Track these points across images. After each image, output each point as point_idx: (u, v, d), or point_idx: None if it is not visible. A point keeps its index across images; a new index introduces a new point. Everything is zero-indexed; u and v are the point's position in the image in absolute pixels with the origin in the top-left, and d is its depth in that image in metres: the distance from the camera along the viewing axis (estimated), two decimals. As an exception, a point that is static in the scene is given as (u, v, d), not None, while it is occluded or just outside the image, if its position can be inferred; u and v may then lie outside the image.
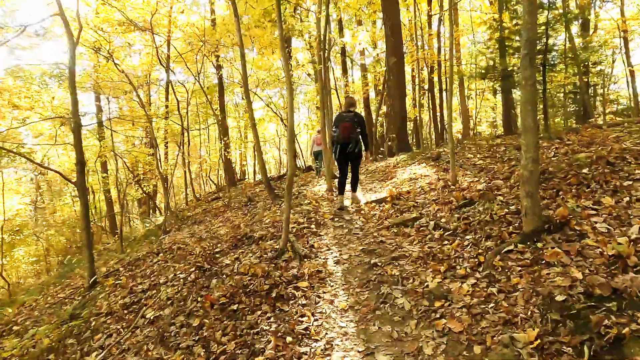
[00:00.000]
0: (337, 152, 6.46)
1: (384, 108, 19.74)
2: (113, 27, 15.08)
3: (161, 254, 7.05)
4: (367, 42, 17.23)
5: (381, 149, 16.43)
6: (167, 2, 15.81)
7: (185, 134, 18.31)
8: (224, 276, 4.83)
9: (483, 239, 4.14)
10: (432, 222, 5.02)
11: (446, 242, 4.44)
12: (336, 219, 6.23)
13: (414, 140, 19.63)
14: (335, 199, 7.64)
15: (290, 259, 4.86)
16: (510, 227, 4.14)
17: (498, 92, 27.18)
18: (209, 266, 5.26)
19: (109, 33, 15.35)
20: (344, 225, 5.89)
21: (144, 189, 17.50)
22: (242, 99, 22.09)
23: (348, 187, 7.05)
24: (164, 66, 15.55)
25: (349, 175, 6.88)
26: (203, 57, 16.20)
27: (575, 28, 14.09)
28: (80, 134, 7.11)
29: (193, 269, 5.25)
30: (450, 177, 6.30)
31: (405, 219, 5.40)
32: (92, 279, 6.84)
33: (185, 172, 16.95)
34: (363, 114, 27.86)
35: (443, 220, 5.01)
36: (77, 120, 7.03)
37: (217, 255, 5.67)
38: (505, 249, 3.70)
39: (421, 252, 4.34)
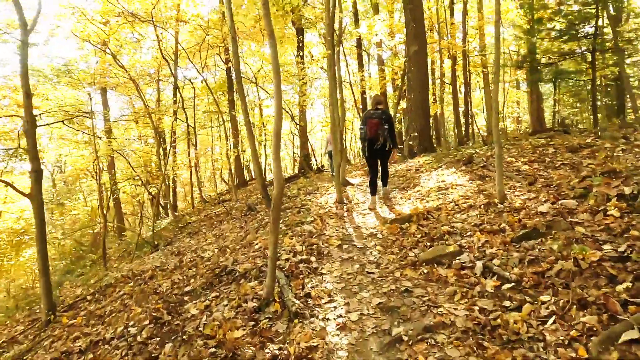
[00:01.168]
0: (366, 149, 6.21)
1: (402, 104, 18.04)
2: (114, 18, 13.83)
3: (131, 283, 5.62)
4: (384, 34, 15.58)
5: (400, 147, 14.77)
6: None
7: (192, 132, 16.97)
8: (184, 337, 3.34)
9: (574, 307, 2.53)
10: (479, 263, 3.41)
11: (508, 302, 2.83)
12: (345, 246, 4.68)
13: (435, 138, 17.85)
14: (340, 209, 6.15)
15: (276, 315, 3.33)
16: (619, 285, 2.53)
17: (522, 84, 25.18)
18: (170, 317, 3.77)
19: (111, 26, 14.09)
20: (355, 257, 4.32)
21: (149, 190, 16.22)
22: (256, 94, 20.66)
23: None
24: (167, 61, 14.15)
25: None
26: (207, 50, 14.76)
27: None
28: (34, 135, 5.71)
29: (148, 322, 3.77)
30: (497, 193, 4.65)
31: (439, 254, 3.80)
32: (49, 315, 5.47)
33: (191, 172, 15.58)
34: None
35: (496, 261, 3.39)
36: (31, 120, 5.62)
37: (185, 299, 4.18)
38: (622, 337, 2.11)
39: (469, 319, 2.75)
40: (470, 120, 16.25)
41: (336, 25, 9.35)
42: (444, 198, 5.59)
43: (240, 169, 19.19)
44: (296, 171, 17.92)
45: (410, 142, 10.36)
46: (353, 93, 13.47)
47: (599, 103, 17.42)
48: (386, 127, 6.01)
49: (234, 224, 7.98)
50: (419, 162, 8.89)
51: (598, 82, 16.38)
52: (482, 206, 4.64)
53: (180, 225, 11.64)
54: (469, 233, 4.09)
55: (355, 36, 17.27)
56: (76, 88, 17.47)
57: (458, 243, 3.93)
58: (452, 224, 4.42)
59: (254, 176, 20.14)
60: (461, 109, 15.65)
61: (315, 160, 17.25)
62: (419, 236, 4.47)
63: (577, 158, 5.63)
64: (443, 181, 6.55)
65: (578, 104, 20.74)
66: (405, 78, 10.69)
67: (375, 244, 4.62)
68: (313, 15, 14.65)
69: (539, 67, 11.41)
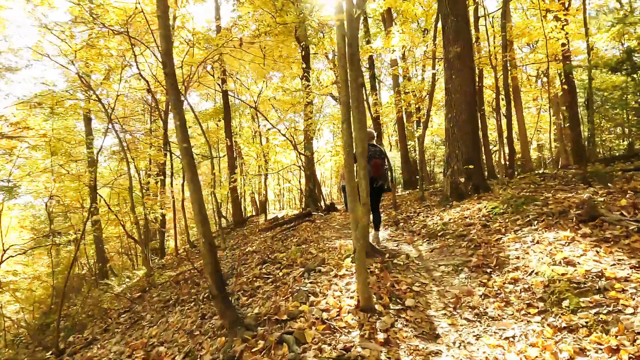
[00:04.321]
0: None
1: (419, 130, 14.76)
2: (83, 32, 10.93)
3: None
4: (404, 46, 12.52)
5: (431, 185, 11.32)
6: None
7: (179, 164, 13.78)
8: None
9: None
10: None
11: None
12: None
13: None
14: (370, 331, 2.73)
15: None
16: None
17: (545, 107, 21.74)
18: None
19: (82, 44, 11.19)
20: None
21: (127, 231, 12.93)
22: (253, 119, 17.54)
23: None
24: (147, 82, 11.14)
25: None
26: (197, 69, 11.75)
27: None
28: None
29: None
30: None
31: None
32: None
33: (174, 211, 12.30)
34: (395, 137, 22.93)
35: None
36: None
37: None
38: None
39: None
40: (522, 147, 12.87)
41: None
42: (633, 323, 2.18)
43: (237, 205, 15.90)
44: (302, 208, 14.52)
45: (454, 178, 6.97)
46: (371, 115, 10.28)
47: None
48: (386, 167, 5.46)
49: (187, 314, 4.59)
50: (478, 209, 5.48)
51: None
52: None
53: (143, 288, 8.27)
54: None
55: (367, 53, 14.14)
56: (63, 117, 14.49)
57: None
58: None
59: (260, 210, 16.79)
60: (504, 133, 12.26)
61: (323, 198, 13.85)
62: None
63: None
64: (570, 262, 3.14)
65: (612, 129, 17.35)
66: (445, 90, 7.45)
67: None
68: (318, 21, 11.63)
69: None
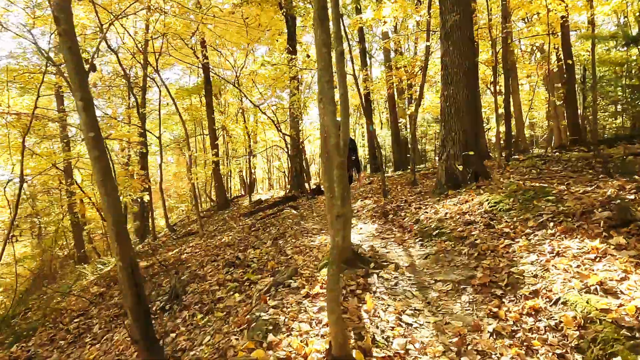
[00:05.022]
0: None
1: (411, 108, 13.80)
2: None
3: None
4: (396, 17, 11.48)
5: (410, 168, 10.47)
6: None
7: (157, 144, 12.79)
8: None
9: None
10: None
11: None
12: None
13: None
14: None
15: None
16: None
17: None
18: None
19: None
20: None
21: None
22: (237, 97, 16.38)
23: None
24: (110, 48, 9.98)
25: None
26: (165, 39, 10.60)
27: None
28: None
29: None
30: None
31: None
32: None
33: (151, 194, 11.38)
34: (386, 115, 21.83)
35: None
36: None
37: None
38: None
39: None
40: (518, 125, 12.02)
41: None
42: None
43: (221, 185, 14.99)
44: (288, 190, 13.67)
45: (449, 163, 6.13)
46: (360, 92, 9.32)
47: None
48: (354, 157, 5.32)
49: (106, 345, 3.79)
50: (479, 202, 4.66)
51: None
52: None
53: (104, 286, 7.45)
54: None
55: (357, 25, 12.98)
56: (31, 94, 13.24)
57: None
58: None
59: (250, 189, 15.92)
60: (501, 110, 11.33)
61: (309, 181, 12.98)
62: None
63: None
64: (609, 290, 2.35)
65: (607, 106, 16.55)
66: (441, 64, 6.53)
67: None
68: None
69: None
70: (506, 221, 3.91)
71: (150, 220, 11.77)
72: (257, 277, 4.10)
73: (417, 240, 4.46)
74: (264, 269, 4.29)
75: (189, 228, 11.54)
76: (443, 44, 6.53)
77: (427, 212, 5.23)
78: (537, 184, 4.86)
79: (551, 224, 3.49)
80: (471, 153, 5.72)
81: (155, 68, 10.22)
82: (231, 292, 3.89)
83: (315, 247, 4.69)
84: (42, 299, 8.01)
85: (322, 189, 11.41)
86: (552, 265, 2.84)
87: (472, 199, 4.92)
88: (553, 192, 4.21)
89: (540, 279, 2.74)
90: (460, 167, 5.80)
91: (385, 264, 3.57)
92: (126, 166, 15.91)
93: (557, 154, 9.60)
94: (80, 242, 15.05)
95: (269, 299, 3.15)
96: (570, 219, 3.45)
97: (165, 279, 5.98)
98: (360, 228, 5.69)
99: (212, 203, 17.51)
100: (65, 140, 13.90)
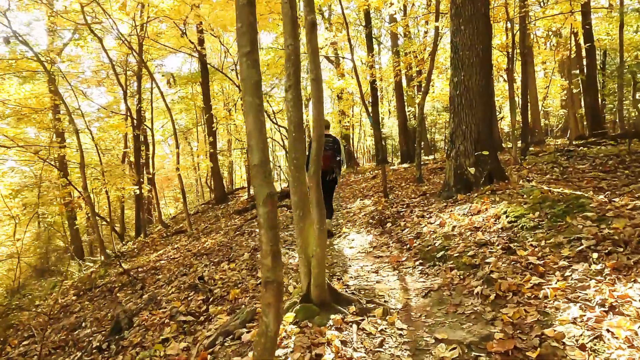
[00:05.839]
0: None
1: (419, 96, 12.69)
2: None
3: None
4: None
5: (409, 161, 9.43)
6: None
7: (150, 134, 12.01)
8: None
9: None
10: None
11: None
12: None
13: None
14: None
15: None
16: None
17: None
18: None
19: None
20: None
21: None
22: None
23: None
24: (94, 33, 9.13)
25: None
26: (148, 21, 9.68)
27: None
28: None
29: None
30: None
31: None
32: None
33: (140, 188, 10.61)
34: (394, 103, 20.57)
35: None
36: None
37: None
38: None
39: None
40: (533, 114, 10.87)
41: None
42: None
43: (219, 178, 14.20)
44: (287, 185, 12.78)
45: (459, 162, 5.16)
46: (358, 80, 8.30)
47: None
48: (338, 158, 4.99)
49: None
50: (495, 215, 3.71)
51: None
52: None
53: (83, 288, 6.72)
54: None
55: (362, 7, 11.88)
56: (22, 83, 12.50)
57: None
58: None
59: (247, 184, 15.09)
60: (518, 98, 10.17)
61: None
62: None
63: None
64: None
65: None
66: (450, 46, 5.51)
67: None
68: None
69: None
70: (532, 245, 2.97)
71: (141, 214, 11.02)
72: (216, 309, 3.26)
73: (417, 262, 3.55)
74: (226, 297, 3.45)
75: (181, 225, 10.79)
76: (453, 22, 5.49)
77: (431, 223, 4.30)
78: (567, 191, 3.88)
79: (595, 255, 2.55)
80: (485, 153, 4.74)
81: (140, 57, 9.33)
82: (179, 332, 3.06)
83: (294, 268, 3.82)
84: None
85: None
86: (606, 330, 1.92)
87: (486, 209, 3.97)
88: (591, 204, 3.24)
89: (590, 355, 1.82)
90: (472, 170, 4.83)
91: (371, 306, 2.67)
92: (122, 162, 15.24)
93: (580, 148, 8.53)
94: (77, 236, 14.48)
95: (210, 358, 2.29)
96: (622, 250, 2.51)
97: (132, 291, 5.22)
98: (353, 240, 4.79)
99: (212, 195, 16.78)
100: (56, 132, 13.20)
